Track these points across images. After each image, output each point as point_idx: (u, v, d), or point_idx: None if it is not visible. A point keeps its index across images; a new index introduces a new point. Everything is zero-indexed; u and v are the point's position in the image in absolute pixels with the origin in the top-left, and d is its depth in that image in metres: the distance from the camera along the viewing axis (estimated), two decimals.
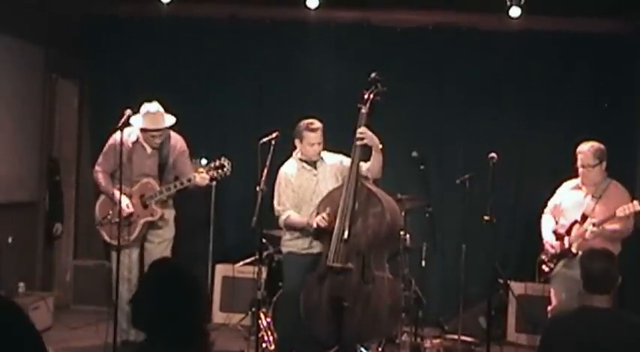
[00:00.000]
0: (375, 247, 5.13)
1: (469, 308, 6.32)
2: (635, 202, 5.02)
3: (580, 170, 5.29)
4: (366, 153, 5.26)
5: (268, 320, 5.81)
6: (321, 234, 5.21)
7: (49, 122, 7.09)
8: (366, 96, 5.20)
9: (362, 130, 5.14)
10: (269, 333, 5.75)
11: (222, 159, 5.56)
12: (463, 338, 6.11)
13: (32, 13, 6.63)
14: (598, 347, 3.23)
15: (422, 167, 6.36)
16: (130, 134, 5.63)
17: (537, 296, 6.13)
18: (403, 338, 5.88)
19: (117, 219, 5.42)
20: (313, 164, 5.38)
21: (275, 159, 5.32)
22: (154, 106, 5.58)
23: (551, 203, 5.52)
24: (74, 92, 7.53)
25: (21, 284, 6.36)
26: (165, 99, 5.79)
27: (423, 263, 6.20)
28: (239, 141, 6.89)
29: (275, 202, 5.38)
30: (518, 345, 6.38)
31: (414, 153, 6.33)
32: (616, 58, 6.98)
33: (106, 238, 5.68)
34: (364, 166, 5.25)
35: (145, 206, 5.65)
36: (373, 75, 5.23)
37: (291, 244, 5.42)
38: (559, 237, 5.33)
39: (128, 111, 5.35)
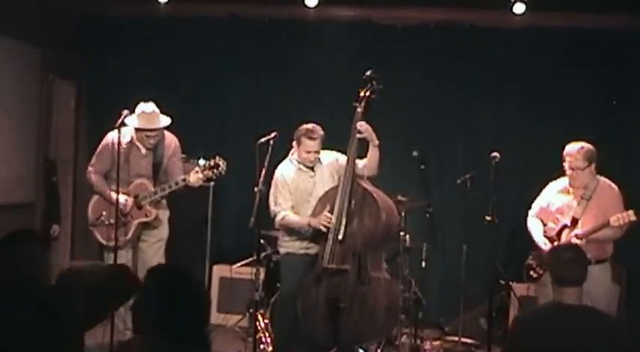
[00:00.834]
0: (371, 247, 5.09)
1: (470, 310, 6.27)
2: (631, 212, 4.82)
3: (569, 172, 5.06)
4: (363, 150, 5.21)
5: (266, 321, 5.79)
6: (318, 234, 5.16)
7: (46, 123, 7.07)
8: (361, 95, 5.17)
9: (361, 123, 5.08)
10: (267, 334, 5.73)
11: (217, 158, 5.49)
12: (464, 339, 6.08)
13: (29, 13, 6.60)
14: (569, 345, 3.18)
15: (422, 166, 6.32)
16: (125, 134, 5.58)
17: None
18: (403, 339, 5.87)
19: (111, 220, 5.39)
20: (310, 166, 5.33)
21: (273, 159, 5.30)
22: (149, 106, 5.53)
23: (536, 205, 5.30)
24: (71, 93, 7.51)
25: None
26: (163, 99, 5.75)
27: (423, 263, 6.18)
28: (237, 141, 6.86)
29: (271, 203, 5.34)
30: None
31: (415, 153, 6.30)
32: (622, 54, 6.88)
33: (100, 239, 5.63)
34: (360, 163, 5.21)
35: (140, 207, 5.59)
36: (368, 73, 5.19)
37: (289, 245, 5.39)
38: (550, 241, 5.12)
39: (125, 112, 5.32)
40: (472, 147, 6.90)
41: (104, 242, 5.58)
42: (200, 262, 6.81)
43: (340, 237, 5.08)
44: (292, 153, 5.38)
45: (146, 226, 5.68)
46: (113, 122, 5.32)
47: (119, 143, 5.33)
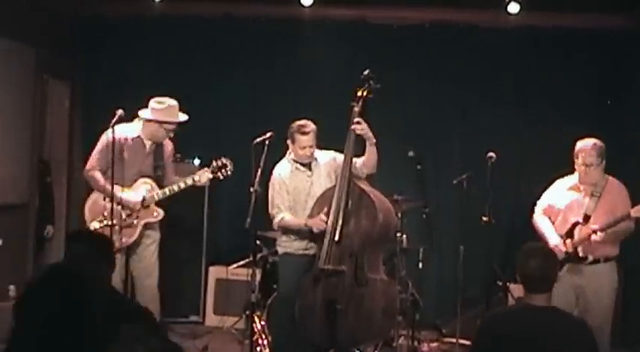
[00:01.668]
0: (368, 248, 5.07)
1: (467, 311, 6.22)
2: None
3: (582, 168, 4.97)
4: (360, 148, 5.19)
5: (263, 323, 5.75)
6: (317, 235, 5.14)
7: (39, 123, 7.02)
8: (358, 94, 5.15)
9: (359, 120, 5.06)
10: (263, 337, 5.69)
11: (224, 159, 5.55)
12: (461, 341, 6.04)
13: (23, 13, 6.55)
14: (536, 346, 3.16)
15: (419, 167, 6.30)
16: (131, 131, 5.53)
17: None
18: (400, 341, 5.84)
19: (115, 221, 5.32)
20: (307, 165, 5.31)
21: (269, 159, 5.28)
22: (171, 100, 5.55)
23: (544, 202, 5.22)
24: (65, 93, 7.45)
25: (11, 287, 6.27)
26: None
27: (420, 264, 6.16)
28: (233, 140, 6.81)
29: (269, 204, 5.30)
30: None
31: (411, 153, 6.28)
32: (617, 54, 6.88)
33: None
34: (358, 161, 5.19)
35: (146, 206, 5.55)
36: (366, 72, 5.17)
37: (287, 245, 5.36)
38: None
39: (119, 112, 5.29)
40: (468, 147, 6.89)
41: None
42: (196, 263, 6.79)
43: (337, 237, 5.05)
44: (289, 154, 5.35)
45: (144, 227, 5.64)
46: (108, 122, 5.28)
47: (114, 142, 5.28)
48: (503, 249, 6.71)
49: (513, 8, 6.64)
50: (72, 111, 7.49)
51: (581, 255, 4.92)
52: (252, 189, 5.18)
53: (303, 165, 5.31)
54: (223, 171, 5.56)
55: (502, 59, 7.03)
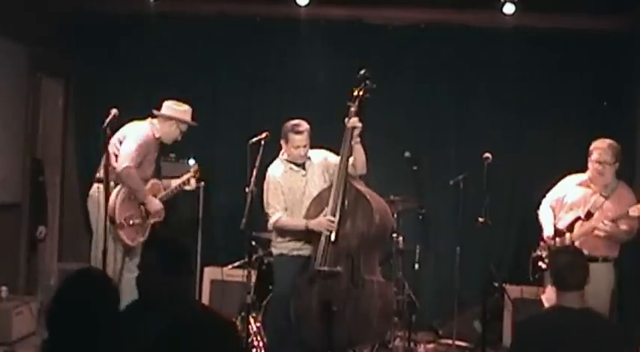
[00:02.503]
0: (365, 249, 5.04)
1: (464, 312, 6.23)
2: None
3: (595, 166, 4.99)
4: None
5: (258, 324, 5.71)
6: (312, 235, 5.11)
7: (32, 122, 6.96)
8: (355, 94, 5.12)
9: (354, 120, 5.03)
10: (259, 338, 5.65)
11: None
12: (457, 342, 6.05)
13: (16, 11, 6.49)
14: (571, 349, 3.17)
15: (415, 168, 6.28)
16: (146, 129, 5.53)
17: (533, 299, 5.99)
18: (396, 342, 5.84)
19: (137, 220, 5.41)
20: (301, 165, 5.28)
21: (265, 159, 5.26)
22: (185, 104, 5.68)
23: (553, 195, 5.25)
24: (59, 91, 7.41)
25: (4, 289, 6.22)
26: (152, 98, 5.78)
27: (417, 266, 6.15)
28: (228, 141, 6.81)
29: (265, 204, 5.27)
30: None
31: (407, 154, 6.28)
32: (613, 55, 6.87)
33: (126, 240, 5.42)
34: (349, 161, 5.15)
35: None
36: (362, 72, 5.15)
37: (282, 246, 5.33)
38: (559, 233, 5.08)
39: (114, 111, 5.22)
40: (464, 147, 6.88)
41: (130, 243, 5.44)
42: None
43: (333, 238, 5.03)
44: (282, 154, 5.31)
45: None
46: (102, 121, 5.21)
47: (108, 141, 5.23)
48: (500, 250, 6.71)
49: (509, 9, 6.65)
50: (65, 110, 7.45)
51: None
52: (247, 190, 5.15)
53: (296, 165, 5.28)
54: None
55: (497, 60, 7.02)
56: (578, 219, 5.02)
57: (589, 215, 4.98)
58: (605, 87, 6.94)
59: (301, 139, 5.18)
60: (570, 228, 5.04)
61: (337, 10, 7.14)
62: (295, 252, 5.27)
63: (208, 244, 6.87)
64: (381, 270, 5.27)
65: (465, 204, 5.91)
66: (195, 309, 2.98)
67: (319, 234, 5.07)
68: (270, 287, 5.61)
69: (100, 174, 5.41)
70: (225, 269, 6.52)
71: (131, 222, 5.40)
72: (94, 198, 5.47)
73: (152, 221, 5.56)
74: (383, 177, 6.11)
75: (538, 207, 5.36)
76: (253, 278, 5.62)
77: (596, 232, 4.88)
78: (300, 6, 6.82)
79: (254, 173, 5.16)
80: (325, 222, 5.03)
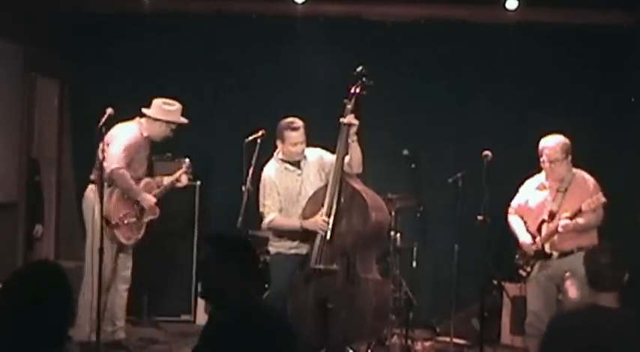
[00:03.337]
0: (361, 247, 5.03)
1: (462, 310, 6.20)
2: (600, 194, 4.93)
3: (547, 165, 5.09)
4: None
5: None
6: (308, 234, 5.09)
7: (28, 121, 6.93)
8: (351, 91, 5.09)
9: (351, 116, 5.00)
10: None
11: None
12: (455, 340, 6.02)
13: (11, 10, 6.45)
14: (605, 348, 3.10)
15: (413, 165, 6.24)
16: (134, 129, 5.52)
17: None
18: (393, 340, 5.81)
19: (133, 219, 5.45)
20: (297, 164, 5.26)
21: (261, 157, 5.25)
22: (177, 103, 5.64)
23: (515, 203, 5.35)
24: (54, 91, 7.37)
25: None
26: (148, 98, 5.68)
27: (414, 263, 6.14)
28: (224, 139, 6.77)
29: (260, 204, 5.25)
30: (512, 348, 6.21)
31: (405, 151, 6.24)
32: (617, 51, 6.82)
33: (122, 239, 5.50)
34: (345, 159, 5.12)
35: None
36: (359, 69, 5.13)
37: (279, 245, 5.33)
38: (534, 236, 5.17)
39: (109, 110, 5.23)
40: (464, 145, 6.84)
41: (126, 242, 5.51)
42: (187, 263, 6.72)
43: (329, 236, 5.01)
44: (277, 153, 5.28)
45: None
46: (97, 120, 5.20)
47: (103, 141, 5.21)
48: (499, 248, 6.63)
49: (511, 4, 6.62)
50: (61, 110, 7.41)
51: (547, 251, 5.07)
52: (244, 188, 5.14)
53: (292, 164, 5.26)
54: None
55: (499, 56, 6.98)
56: (543, 221, 5.10)
57: (552, 215, 5.05)
58: (609, 83, 6.89)
59: (297, 136, 5.16)
60: (539, 231, 5.12)
61: (335, 6, 7.11)
62: (292, 251, 5.27)
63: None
64: (378, 268, 5.27)
65: (463, 202, 5.87)
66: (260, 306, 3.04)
67: (315, 232, 5.05)
68: (267, 286, 5.58)
69: (94, 175, 5.43)
70: None
71: (126, 221, 5.43)
72: (87, 200, 5.49)
73: (147, 219, 5.54)
74: (381, 174, 6.08)
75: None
76: None
77: (560, 230, 4.95)
78: (297, 3, 6.79)
79: (250, 171, 5.14)
80: (320, 221, 5.01)
